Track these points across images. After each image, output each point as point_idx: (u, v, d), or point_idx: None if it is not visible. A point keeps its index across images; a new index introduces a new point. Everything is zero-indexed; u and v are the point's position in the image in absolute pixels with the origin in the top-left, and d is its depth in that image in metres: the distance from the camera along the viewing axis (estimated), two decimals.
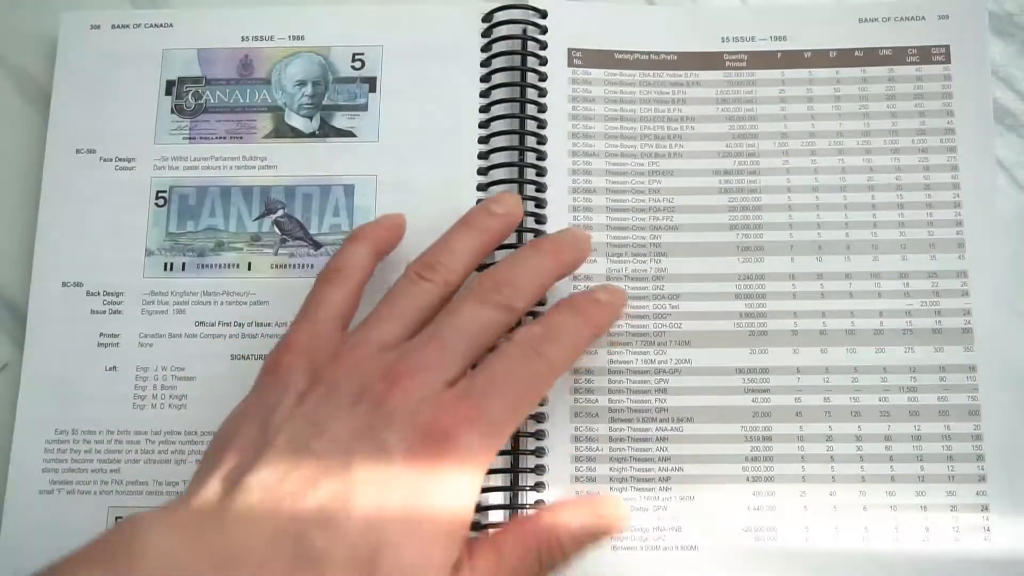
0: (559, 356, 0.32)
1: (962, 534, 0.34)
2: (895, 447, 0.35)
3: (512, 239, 0.36)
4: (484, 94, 0.38)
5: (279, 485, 0.27)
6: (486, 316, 0.32)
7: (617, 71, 0.39)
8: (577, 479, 0.35)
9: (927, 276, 0.37)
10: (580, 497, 0.34)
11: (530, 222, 0.37)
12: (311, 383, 0.30)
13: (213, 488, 0.27)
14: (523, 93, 0.38)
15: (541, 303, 0.36)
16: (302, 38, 0.39)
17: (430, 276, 0.33)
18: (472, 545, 0.29)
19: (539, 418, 0.35)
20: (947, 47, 0.39)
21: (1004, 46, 0.40)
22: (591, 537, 0.31)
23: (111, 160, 0.38)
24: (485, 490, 0.33)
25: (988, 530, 0.34)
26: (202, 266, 0.37)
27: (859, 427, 0.35)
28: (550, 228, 0.37)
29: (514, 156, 0.37)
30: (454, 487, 0.28)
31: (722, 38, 0.40)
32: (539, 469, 0.35)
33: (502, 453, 0.34)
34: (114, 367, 0.36)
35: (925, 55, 0.39)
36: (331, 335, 0.32)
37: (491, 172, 0.37)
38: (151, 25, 0.40)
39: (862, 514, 0.34)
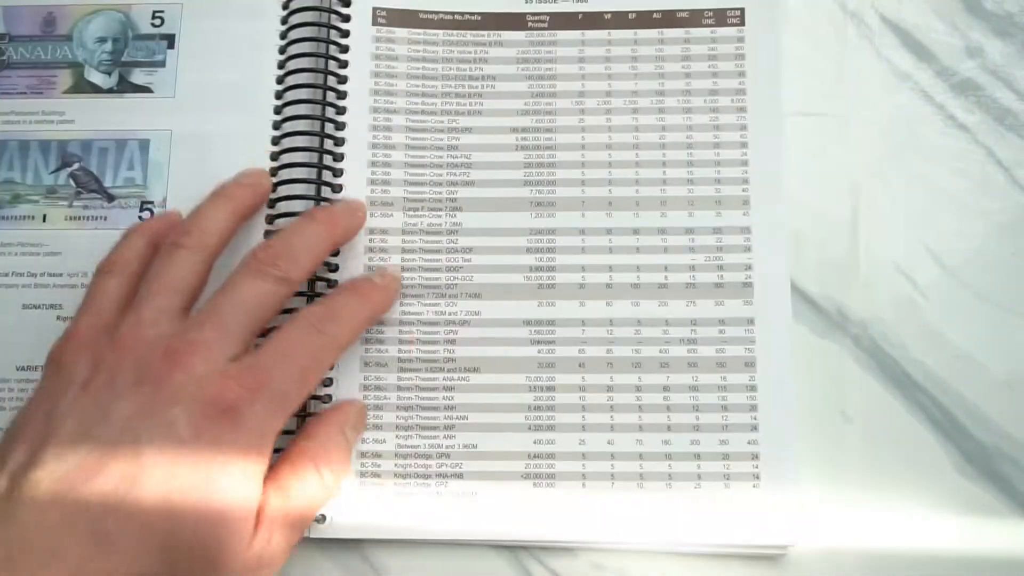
0: (340, 334, 0.33)
1: (732, 481, 0.35)
2: (673, 397, 0.36)
3: (312, 193, 0.37)
4: (283, 51, 0.39)
5: (66, 473, 0.27)
6: (263, 289, 0.32)
7: (421, 31, 0.40)
8: None
9: (712, 232, 0.37)
10: (328, 411, 0.35)
11: (328, 176, 0.38)
12: (93, 371, 0.30)
13: (1, 484, 0.27)
14: (326, 51, 0.39)
15: (333, 269, 0.37)
16: None
17: (186, 243, 0.33)
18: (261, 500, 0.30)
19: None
20: (742, 10, 0.40)
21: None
22: (352, 438, 0.34)
23: None
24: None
25: (758, 477, 0.35)
26: None
27: (639, 378, 0.36)
28: (346, 183, 0.38)
29: (313, 111, 0.38)
30: (243, 458, 0.29)
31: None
32: None
33: None
34: None
35: (720, 17, 0.40)
36: (111, 324, 0.32)
37: (287, 125, 0.38)
38: None
39: (638, 461, 0.35)
